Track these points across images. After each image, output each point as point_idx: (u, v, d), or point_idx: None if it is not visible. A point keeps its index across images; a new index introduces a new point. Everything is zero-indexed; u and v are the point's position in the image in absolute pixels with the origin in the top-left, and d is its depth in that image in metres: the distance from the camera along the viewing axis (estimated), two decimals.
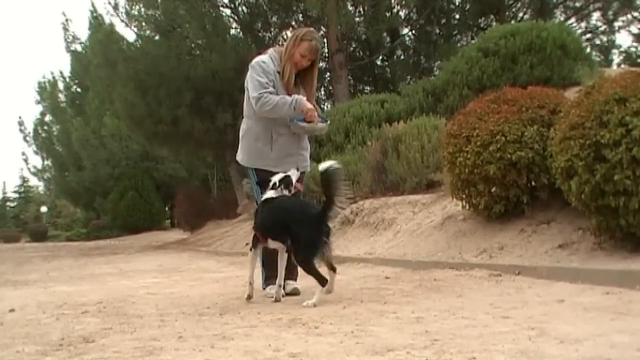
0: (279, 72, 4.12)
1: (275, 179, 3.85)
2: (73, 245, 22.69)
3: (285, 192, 3.82)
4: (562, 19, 18.39)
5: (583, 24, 19.82)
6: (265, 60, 4.14)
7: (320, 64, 14.04)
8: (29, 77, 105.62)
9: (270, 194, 3.81)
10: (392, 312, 3.13)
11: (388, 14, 16.38)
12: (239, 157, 4.34)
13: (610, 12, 19.19)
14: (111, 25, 16.08)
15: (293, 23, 16.29)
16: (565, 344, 2.22)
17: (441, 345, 2.32)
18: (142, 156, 27.89)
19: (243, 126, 4.30)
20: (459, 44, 17.21)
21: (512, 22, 16.00)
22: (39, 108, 33.36)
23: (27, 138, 33.64)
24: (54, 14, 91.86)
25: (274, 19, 16.67)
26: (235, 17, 16.48)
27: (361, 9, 16.52)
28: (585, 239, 4.09)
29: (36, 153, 33.90)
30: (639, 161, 3.41)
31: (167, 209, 29.92)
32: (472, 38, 17.39)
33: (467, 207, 5.20)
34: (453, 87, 10.02)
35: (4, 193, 58.74)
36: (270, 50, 4.26)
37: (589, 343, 2.21)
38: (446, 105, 9.92)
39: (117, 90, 16.01)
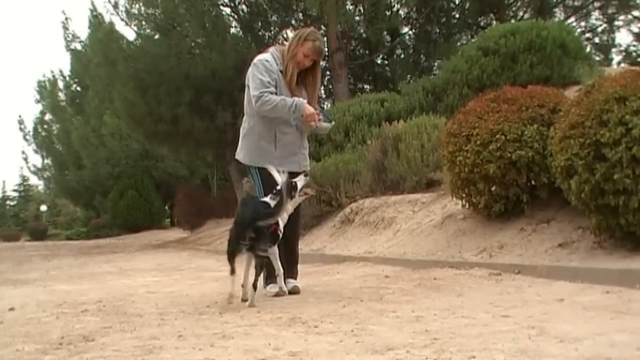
0: (281, 71, 4.12)
1: (281, 184, 3.76)
2: (73, 244, 22.68)
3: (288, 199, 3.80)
4: (562, 18, 18.38)
5: (583, 23, 19.81)
6: (268, 58, 4.13)
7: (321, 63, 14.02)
8: (29, 75, 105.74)
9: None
10: (392, 311, 3.13)
11: (388, 13, 16.35)
12: (240, 155, 4.31)
13: (609, 11, 19.18)
14: (111, 24, 16.05)
15: (293, 22, 16.28)
16: (565, 343, 2.22)
17: (441, 344, 2.32)
18: (142, 155, 27.86)
19: (244, 125, 4.28)
20: (458, 43, 17.19)
21: (512, 21, 15.98)
22: (39, 107, 33.36)
23: (27, 137, 33.63)
24: (53, 12, 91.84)
25: (274, 18, 16.65)
26: (235, 16, 16.46)
27: (361, 8, 16.49)
28: (585, 238, 4.09)
29: (36, 152, 33.89)
30: (639, 160, 3.41)
31: (167, 207, 29.91)
32: (472, 37, 17.36)
33: (467, 206, 5.20)
34: (453, 86, 10.02)
35: (4, 192, 58.77)
36: (272, 49, 4.25)
37: (588, 342, 2.22)
38: (446, 104, 9.92)
39: (117, 89, 16.00)
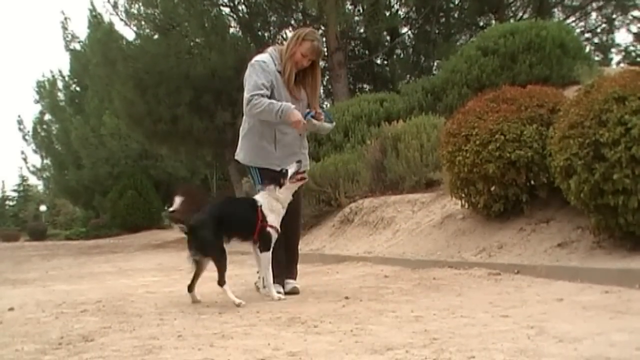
0: (279, 72, 4.10)
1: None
2: (72, 244, 22.65)
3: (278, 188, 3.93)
4: (561, 17, 18.39)
5: (582, 23, 19.82)
6: (265, 59, 4.11)
7: (320, 63, 14.01)
8: (28, 76, 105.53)
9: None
10: (391, 311, 3.13)
11: (387, 13, 16.37)
12: (240, 156, 4.30)
13: (608, 11, 19.18)
14: (110, 24, 16.04)
15: (292, 22, 16.28)
16: (565, 343, 2.22)
17: (440, 344, 2.32)
18: (142, 155, 27.82)
19: (244, 125, 4.26)
20: (458, 43, 17.18)
21: (512, 21, 16.00)
22: (38, 107, 33.25)
23: (26, 137, 33.54)
24: (53, 12, 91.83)
25: (273, 17, 16.65)
26: (235, 16, 16.46)
27: (360, 8, 16.51)
28: (584, 237, 4.09)
29: (35, 152, 33.80)
30: (638, 160, 3.41)
31: (166, 207, 29.86)
32: (472, 37, 17.36)
33: (467, 206, 5.20)
34: (452, 86, 10.03)
35: (3, 192, 58.67)
36: (270, 49, 4.24)
37: (588, 342, 2.22)
38: (445, 104, 9.92)
39: (116, 89, 15.99)
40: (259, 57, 4.16)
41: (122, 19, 15.87)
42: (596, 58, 17.36)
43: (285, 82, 4.08)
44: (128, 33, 20.89)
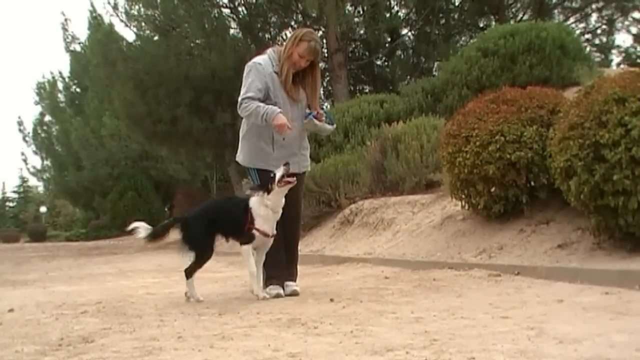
0: (276, 73, 4.09)
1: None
2: (72, 245, 22.67)
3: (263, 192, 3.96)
4: (561, 19, 18.39)
5: (582, 24, 19.83)
6: (261, 61, 4.10)
7: (320, 64, 14.01)
8: (28, 77, 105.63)
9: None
10: (392, 312, 3.13)
11: (387, 14, 16.38)
12: (240, 157, 4.30)
13: (608, 12, 19.18)
14: (110, 25, 16.07)
15: (292, 23, 16.29)
16: (564, 344, 2.22)
17: (440, 345, 2.32)
18: (142, 156, 27.82)
19: (244, 126, 4.26)
20: (458, 44, 17.20)
21: (512, 22, 16.00)
22: (38, 108, 33.26)
23: (27, 138, 33.56)
24: (53, 13, 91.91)
25: (273, 18, 16.66)
26: (235, 17, 16.47)
27: (360, 9, 16.52)
28: (584, 238, 4.09)
29: (35, 153, 33.82)
30: (638, 161, 3.41)
31: (166, 209, 29.86)
32: (472, 38, 17.38)
33: (467, 207, 5.20)
34: (452, 87, 10.03)
35: (3, 193, 58.65)
36: (269, 50, 4.23)
37: (588, 343, 2.22)
38: (445, 105, 9.92)
39: (116, 90, 16.01)
40: (256, 59, 4.15)
41: (122, 20, 15.91)
42: (596, 59, 17.35)
43: (282, 83, 4.07)
44: (128, 34, 20.94)
